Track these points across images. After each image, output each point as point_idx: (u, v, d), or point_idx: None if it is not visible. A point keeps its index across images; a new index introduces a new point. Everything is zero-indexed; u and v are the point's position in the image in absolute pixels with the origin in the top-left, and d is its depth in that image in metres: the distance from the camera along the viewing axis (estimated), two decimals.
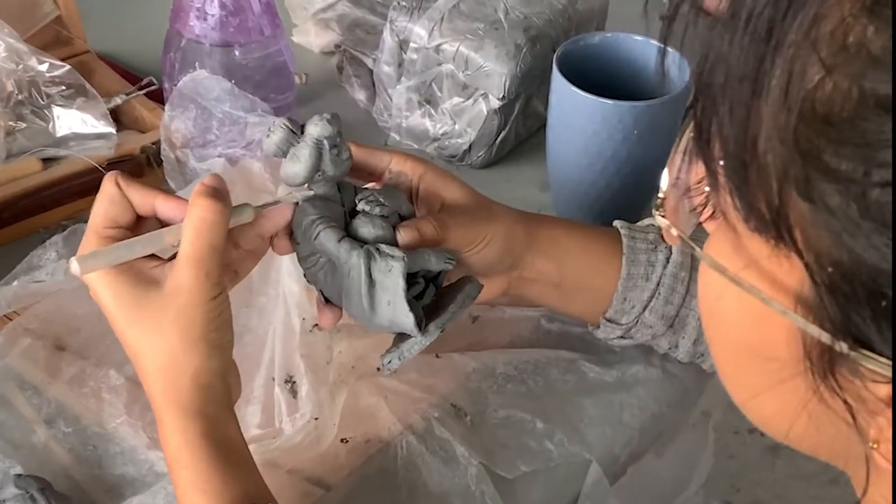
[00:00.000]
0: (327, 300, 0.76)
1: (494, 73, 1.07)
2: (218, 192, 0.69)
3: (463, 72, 1.09)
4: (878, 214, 0.35)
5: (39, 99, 1.07)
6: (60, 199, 1.03)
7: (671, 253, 0.84)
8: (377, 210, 0.73)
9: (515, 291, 0.84)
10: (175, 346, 0.69)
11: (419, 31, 1.10)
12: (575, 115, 0.97)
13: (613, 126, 0.95)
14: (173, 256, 0.70)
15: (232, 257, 0.74)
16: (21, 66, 1.06)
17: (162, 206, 0.71)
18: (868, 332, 0.37)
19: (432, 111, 1.14)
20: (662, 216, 0.48)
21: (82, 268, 0.67)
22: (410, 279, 0.71)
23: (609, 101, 0.94)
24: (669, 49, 1.00)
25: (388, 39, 1.13)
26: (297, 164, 0.72)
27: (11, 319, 0.90)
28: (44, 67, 1.07)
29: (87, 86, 1.09)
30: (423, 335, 0.71)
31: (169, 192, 0.73)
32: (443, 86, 1.12)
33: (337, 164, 0.73)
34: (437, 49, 1.09)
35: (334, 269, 0.73)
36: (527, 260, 0.82)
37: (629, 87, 1.01)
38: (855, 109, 0.35)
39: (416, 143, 1.16)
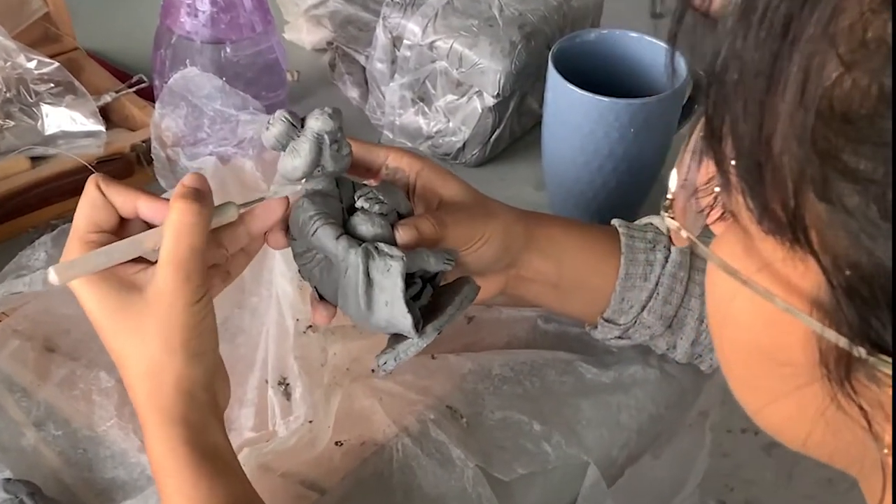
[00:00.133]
0: (322, 298, 0.75)
1: (489, 70, 1.06)
2: (198, 193, 0.68)
3: (457, 69, 1.08)
4: None
5: (28, 97, 1.06)
6: (49, 198, 1.02)
7: (670, 252, 0.83)
8: (376, 208, 0.72)
9: (513, 291, 0.83)
10: (156, 353, 0.68)
11: (413, 28, 1.09)
12: (571, 112, 0.96)
13: (610, 124, 0.94)
14: (158, 260, 0.69)
15: (220, 257, 0.72)
16: (9, 64, 1.05)
17: (144, 207, 0.70)
18: (886, 335, 0.36)
19: (426, 109, 1.13)
20: (672, 218, 0.47)
21: (60, 277, 0.66)
22: (408, 279, 0.69)
23: (606, 99, 0.93)
24: (663, 45, 1.00)
25: (381, 36, 1.12)
26: (297, 158, 0.71)
27: (0, 321, 0.88)
28: (32, 65, 1.06)
29: (77, 83, 1.08)
30: (421, 337, 0.70)
31: (153, 192, 0.71)
32: (437, 83, 1.10)
33: (337, 160, 0.72)
34: (431, 46, 1.08)
35: (330, 266, 0.72)
36: (524, 259, 0.81)
37: (625, 84, 1.00)
38: (874, 107, 0.34)
39: (410, 142, 1.15)
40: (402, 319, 0.69)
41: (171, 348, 0.67)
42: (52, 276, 0.66)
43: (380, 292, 0.69)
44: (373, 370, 0.86)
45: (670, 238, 0.83)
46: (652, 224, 0.86)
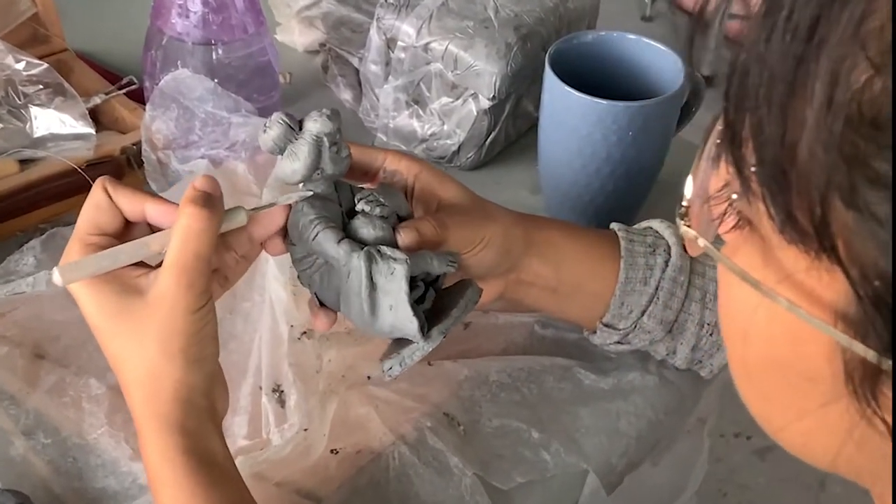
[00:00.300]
0: (322, 304, 0.73)
1: (484, 72, 1.04)
2: (209, 199, 0.67)
3: (452, 71, 1.06)
4: None
5: (16, 98, 1.04)
6: (38, 201, 1.01)
7: (670, 256, 0.82)
8: (377, 210, 0.71)
9: (511, 295, 0.82)
10: (155, 359, 0.66)
11: (407, 30, 1.08)
12: (568, 115, 0.95)
13: (608, 126, 0.93)
14: (161, 263, 0.68)
15: (230, 261, 0.71)
16: None
17: (152, 210, 0.69)
18: None
19: (420, 111, 1.11)
20: (688, 226, 0.45)
21: (64, 278, 0.65)
22: (410, 283, 0.68)
23: (603, 101, 0.92)
24: (662, 48, 0.99)
25: (374, 38, 1.11)
26: (296, 161, 0.69)
27: None
28: (20, 66, 1.05)
29: (66, 85, 1.07)
30: (427, 341, 0.69)
31: (157, 195, 0.70)
32: (431, 85, 1.09)
33: (336, 163, 0.71)
34: (426, 48, 1.07)
35: (331, 271, 0.70)
36: (524, 263, 0.80)
37: (622, 86, 0.99)
38: None
39: (404, 145, 1.13)
40: (409, 324, 0.67)
41: (170, 354, 0.66)
42: (57, 276, 0.65)
43: (384, 296, 0.67)
44: (368, 377, 0.85)
45: (684, 246, 0.82)
46: (651, 228, 0.86)
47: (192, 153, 1.01)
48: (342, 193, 0.73)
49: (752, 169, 0.38)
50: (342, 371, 0.85)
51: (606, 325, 0.84)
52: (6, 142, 1.03)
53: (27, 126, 1.04)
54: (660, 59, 0.99)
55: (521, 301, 0.83)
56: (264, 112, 1.05)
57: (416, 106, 1.11)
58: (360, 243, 0.69)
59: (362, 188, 0.74)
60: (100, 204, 0.69)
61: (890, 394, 0.36)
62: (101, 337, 0.69)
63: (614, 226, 0.85)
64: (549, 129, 1.00)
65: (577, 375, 0.88)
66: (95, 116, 1.08)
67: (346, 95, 1.21)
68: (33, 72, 1.05)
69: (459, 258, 0.73)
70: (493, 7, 1.08)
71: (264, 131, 0.70)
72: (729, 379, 0.88)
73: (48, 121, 1.04)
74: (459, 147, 1.10)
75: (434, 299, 0.72)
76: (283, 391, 0.82)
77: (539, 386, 0.87)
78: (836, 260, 0.35)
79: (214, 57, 1.07)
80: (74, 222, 0.70)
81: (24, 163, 1.02)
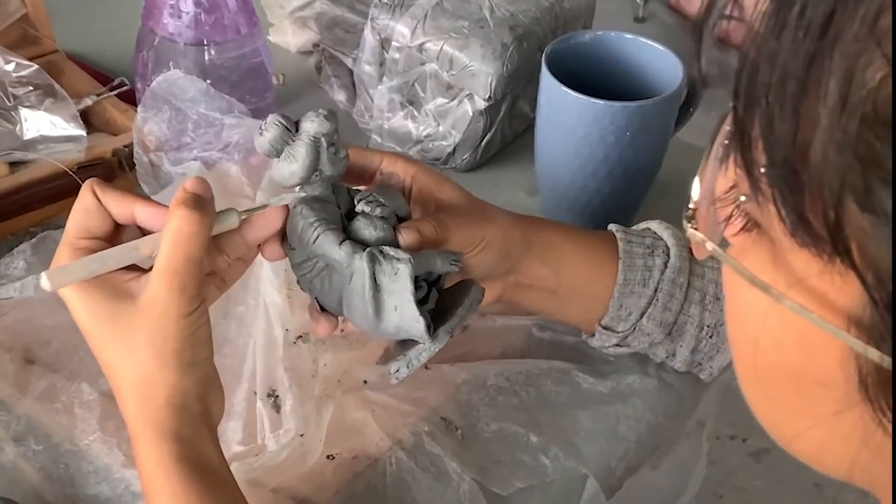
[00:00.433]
0: (322, 309, 0.72)
1: (480, 72, 1.03)
2: (200, 201, 0.66)
3: (447, 72, 1.05)
4: None
5: (6, 100, 1.03)
6: (28, 204, 1.00)
7: (669, 258, 0.82)
8: (378, 211, 0.70)
9: (510, 298, 0.81)
10: (147, 364, 0.66)
11: (402, 30, 1.07)
12: (565, 115, 0.94)
13: (605, 127, 0.92)
14: (152, 267, 0.67)
15: (222, 264, 0.70)
16: None
17: (141, 213, 0.68)
18: None
19: (415, 112, 1.10)
20: (695, 229, 0.44)
21: (52, 283, 0.64)
22: (414, 283, 0.67)
23: (601, 102, 0.91)
24: (660, 47, 0.98)
25: (369, 38, 1.10)
26: (294, 163, 0.68)
27: None
28: (10, 67, 1.04)
29: (56, 86, 1.05)
30: (433, 341, 0.68)
31: (146, 197, 0.69)
32: (426, 86, 1.08)
33: (335, 164, 0.69)
34: (421, 48, 1.06)
35: (332, 274, 0.69)
36: (523, 264, 0.79)
37: (619, 86, 0.98)
38: None
39: (399, 146, 1.12)
40: (415, 324, 0.66)
41: (163, 359, 0.65)
42: (45, 281, 0.64)
43: (388, 297, 0.66)
44: (365, 381, 0.84)
45: (684, 248, 0.81)
46: (649, 229, 0.85)
47: (185, 155, 1.00)
48: (340, 196, 0.71)
49: (762, 170, 0.37)
50: (338, 375, 0.84)
51: (605, 328, 0.83)
52: None
53: (17, 128, 1.03)
54: (657, 59, 0.98)
55: (520, 304, 0.82)
56: (257, 114, 1.05)
57: (410, 107, 1.10)
58: (361, 244, 0.67)
59: (359, 191, 0.73)
60: (88, 207, 0.68)
61: None
62: (93, 343, 0.68)
63: (612, 227, 0.84)
64: (545, 130, 0.99)
65: (575, 379, 0.87)
66: (86, 118, 1.07)
67: (339, 96, 1.20)
68: (23, 73, 1.04)
69: (460, 258, 0.72)
70: (488, 7, 1.07)
71: (260, 133, 0.69)
72: (727, 381, 0.87)
73: (38, 123, 1.03)
74: (455, 148, 1.09)
75: (436, 300, 0.71)
76: (278, 396, 0.81)
77: (537, 389, 0.86)
78: (850, 264, 0.34)
79: (207, 58, 1.06)
80: (65, 225, 0.69)
81: (14, 165, 1.01)
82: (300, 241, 0.68)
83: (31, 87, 1.05)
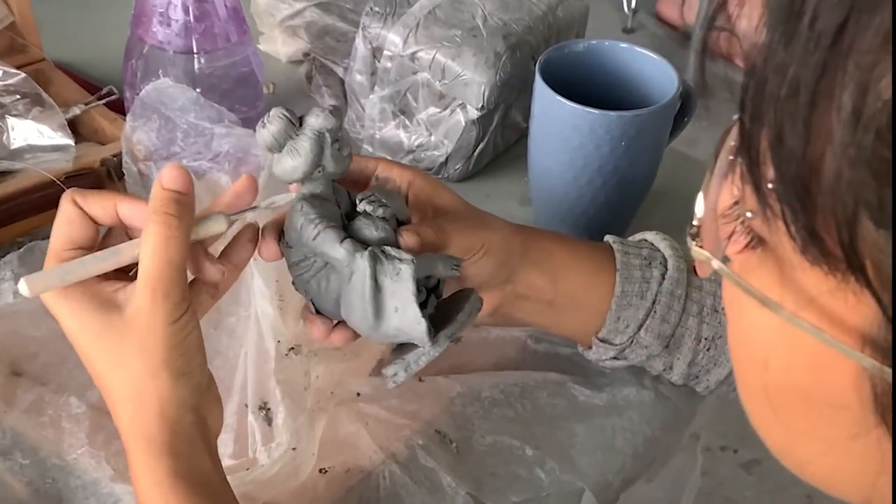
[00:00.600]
0: (318, 311, 0.71)
1: (473, 82, 1.03)
2: (176, 202, 0.65)
3: (439, 81, 1.04)
4: None
5: None
6: (16, 214, 0.98)
7: (666, 269, 0.81)
8: (380, 211, 0.68)
9: (506, 310, 0.80)
10: (138, 376, 0.64)
11: (393, 39, 1.06)
12: (559, 125, 0.93)
13: (600, 137, 0.91)
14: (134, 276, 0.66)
15: (211, 273, 0.69)
16: None
17: (125, 210, 0.67)
18: None
19: (407, 122, 1.09)
20: (700, 247, 0.43)
21: (31, 288, 0.63)
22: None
23: (596, 111, 0.90)
24: (654, 56, 0.98)
25: (360, 47, 1.09)
26: (297, 157, 0.67)
27: None
28: None
29: (44, 95, 1.04)
30: (434, 345, 0.67)
31: (127, 195, 0.68)
32: (418, 95, 1.07)
33: (338, 161, 0.68)
34: (413, 57, 1.05)
35: (330, 274, 0.68)
36: (521, 274, 0.78)
37: (613, 96, 0.97)
38: None
39: (391, 156, 1.11)
40: (416, 325, 0.65)
41: (154, 369, 0.64)
42: (24, 287, 0.63)
43: (389, 298, 0.65)
44: (358, 394, 0.83)
45: (680, 258, 0.81)
46: (646, 240, 0.84)
47: None
48: (339, 197, 0.70)
49: (771, 185, 0.35)
50: (331, 387, 0.82)
51: (602, 341, 0.82)
52: None
53: (4, 137, 1.01)
54: (651, 69, 0.97)
55: (515, 316, 0.81)
56: (248, 123, 1.03)
57: (402, 116, 1.09)
58: (362, 244, 0.66)
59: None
60: (71, 218, 0.67)
61: None
62: (85, 358, 0.67)
63: (609, 238, 0.83)
64: (539, 140, 0.98)
65: (571, 391, 0.86)
66: (74, 127, 1.06)
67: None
68: (10, 82, 1.03)
69: (463, 262, 0.71)
70: (481, 16, 1.06)
71: (263, 126, 0.68)
72: (723, 393, 0.86)
73: (26, 132, 1.02)
74: (447, 158, 1.08)
75: (435, 307, 0.70)
76: (269, 409, 0.80)
77: (532, 402, 0.85)
78: (864, 282, 0.33)
79: (197, 66, 1.05)
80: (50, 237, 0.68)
81: (1, 175, 1.00)
82: (299, 238, 0.67)
83: (18, 96, 1.03)
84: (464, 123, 1.06)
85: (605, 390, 0.87)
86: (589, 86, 0.97)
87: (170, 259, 0.64)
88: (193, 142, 0.99)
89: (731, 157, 0.39)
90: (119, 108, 1.10)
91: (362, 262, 0.65)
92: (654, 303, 0.80)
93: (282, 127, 0.67)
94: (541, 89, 0.94)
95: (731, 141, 0.40)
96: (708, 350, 0.82)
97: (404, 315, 0.65)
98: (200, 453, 0.66)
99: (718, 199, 0.41)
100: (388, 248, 0.66)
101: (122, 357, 0.65)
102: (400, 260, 0.65)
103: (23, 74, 1.04)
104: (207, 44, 1.05)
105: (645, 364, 0.84)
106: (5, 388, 0.82)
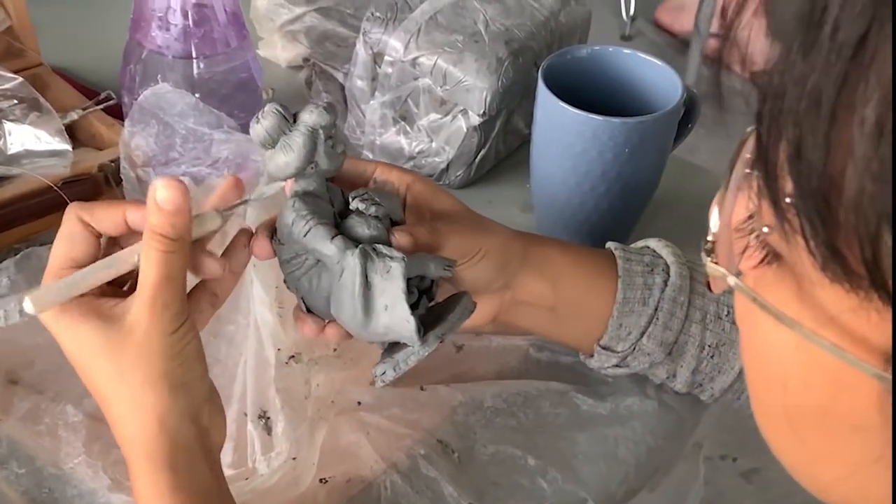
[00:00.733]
0: (309, 310, 0.70)
1: (475, 87, 1.02)
2: (173, 225, 0.64)
3: (441, 87, 1.04)
4: None
5: None
6: (13, 220, 0.98)
7: (669, 276, 0.80)
8: (372, 210, 0.68)
9: (506, 317, 0.79)
10: (137, 389, 0.64)
11: (394, 44, 1.05)
12: (562, 131, 0.93)
13: (604, 143, 0.91)
14: (132, 290, 0.66)
15: (209, 267, 0.68)
16: None
17: (133, 216, 0.66)
18: None
19: (408, 128, 1.09)
20: (715, 263, 0.42)
21: (37, 305, 0.63)
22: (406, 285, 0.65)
23: (599, 118, 0.90)
24: (658, 62, 0.97)
25: (361, 52, 1.08)
26: (290, 153, 0.67)
27: None
28: None
29: (41, 100, 1.04)
30: (423, 345, 0.66)
31: (134, 201, 0.67)
32: (419, 101, 1.07)
33: (331, 158, 0.68)
34: (414, 62, 1.04)
35: (321, 272, 0.67)
36: (520, 279, 0.77)
37: (616, 102, 0.97)
38: None
39: (391, 162, 1.10)
40: (405, 324, 0.64)
41: (152, 380, 0.64)
42: (28, 305, 0.62)
43: (379, 295, 0.64)
44: (359, 402, 0.82)
45: (690, 270, 0.80)
46: (648, 247, 0.83)
47: (173, 170, 0.98)
48: (333, 196, 0.70)
49: (789, 200, 0.34)
50: (331, 396, 0.82)
51: (604, 348, 0.81)
52: None
53: (1, 142, 1.01)
54: (654, 75, 0.97)
55: (516, 323, 0.80)
56: (247, 129, 1.02)
57: (403, 122, 1.09)
58: (354, 241, 0.66)
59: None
60: (74, 235, 0.66)
61: None
62: (83, 373, 0.67)
63: (611, 245, 0.83)
64: (542, 146, 0.97)
65: (573, 400, 0.85)
66: (72, 133, 1.06)
67: None
68: (7, 86, 1.02)
69: (455, 266, 0.71)
70: (483, 21, 1.05)
71: (257, 121, 0.67)
72: (727, 402, 0.86)
73: (23, 137, 1.01)
74: (448, 165, 1.08)
75: (428, 310, 0.69)
76: (269, 418, 0.79)
77: (535, 411, 0.84)
78: (888, 300, 0.32)
79: (196, 71, 1.04)
80: (50, 242, 0.68)
81: None
82: (290, 235, 0.67)
83: (15, 101, 1.03)
84: (465, 129, 1.05)
85: (608, 400, 0.86)
86: (591, 92, 0.97)
87: (169, 272, 0.64)
88: (192, 147, 0.98)
89: (748, 171, 0.38)
90: (117, 113, 1.09)
91: (353, 258, 0.64)
92: (656, 309, 0.79)
93: (275, 122, 0.66)
94: (544, 95, 0.93)
95: (747, 153, 0.39)
96: (712, 357, 0.81)
97: (394, 313, 0.64)
98: (201, 465, 0.65)
99: (733, 213, 0.40)
100: (379, 246, 0.65)
101: (121, 371, 0.64)
102: (391, 258, 0.64)
103: (20, 79, 1.03)
104: (207, 49, 1.04)
105: (648, 372, 0.84)
106: (1, 397, 0.82)
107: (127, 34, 1.06)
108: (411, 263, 0.65)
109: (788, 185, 0.34)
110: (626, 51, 0.98)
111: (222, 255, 0.70)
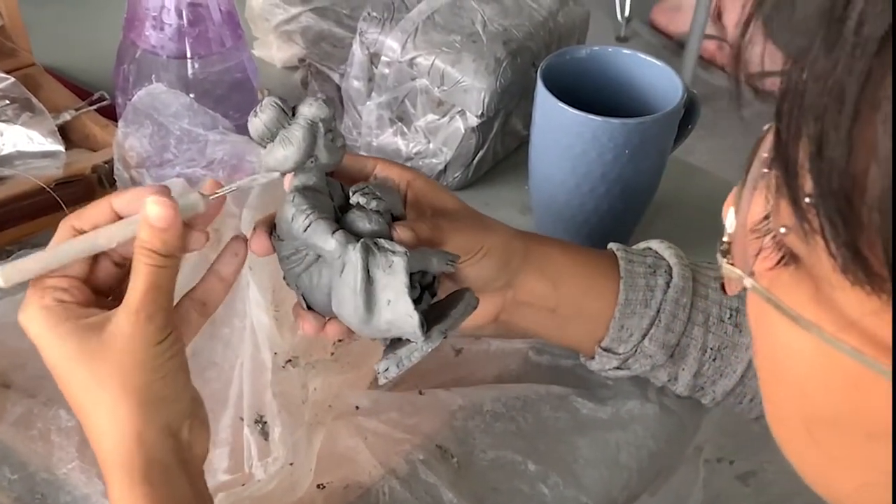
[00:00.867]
0: (309, 308, 0.69)
1: (473, 88, 1.01)
2: (163, 241, 0.63)
3: (438, 87, 1.03)
4: None
5: None
6: (5, 222, 0.97)
7: (671, 277, 0.79)
8: (373, 204, 0.67)
9: (507, 318, 0.78)
10: (116, 401, 0.63)
11: (391, 44, 1.04)
12: (562, 132, 0.92)
13: (603, 144, 0.90)
14: (117, 303, 0.65)
15: (192, 242, 0.67)
16: None
17: (119, 204, 0.66)
18: None
19: (405, 129, 1.08)
20: (731, 264, 0.41)
21: (5, 278, 0.63)
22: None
23: (599, 118, 0.89)
24: (657, 62, 0.96)
25: (357, 53, 1.07)
26: (289, 146, 0.65)
27: None
28: None
29: (34, 100, 1.03)
30: (426, 340, 0.64)
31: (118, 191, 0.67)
32: (416, 102, 1.06)
33: (331, 152, 0.67)
34: (411, 63, 1.03)
35: (321, 268, 0.66)
36: (521, 279, 0.76)
37: (615, 103, 0.96)
38: None
39: None
40: (409, 319, 0.63)
41: (130, 390, 0.63)
42: None
43: (381, 291, 0.63)
44: (357, 407, 0.81)
45: (693, 271, 0.79)
46: (650, 248, 0.82)
47: (167, 172, 0.97)
48: (333, 190, 0.69)
49: (809, 200, 0.33)
50: (329, 400, 0.80)
51: (605, 350, 0.80)
52: None
53: None
54: (654, 75, 0.96)
55: (516, 325, 0.79)
56: (242, 129, 1.01)
57: (400, 123, 1.08)
58: (355, 236, 0.65)
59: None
60: None
61: None
62: (62, 383, 0.65)
63: (612, 246, 0.82)
64: (540, 148, 0.96)
65: (574, 404, 0.85)
66: (65, 133, 1.05)
67: None
68: None
69: (457, 261, 0.70)
70: (480, 21, 1.04)
71: (255, 115, 0.66)
72: (727, 405, 0.85)
73: (15, 137, 1.00)
74: (446, 166, 1.07)
75: (430, 306, 0.68)
76: (266, 422, 0.78)
77: (535, 415, 0.83)
78: None
79: (190, 71, 1.03)
80: (43, 244, 0.67)
81: None
82: (290, 230, 0.65)
83: (7, 101, 1.02)
84: (463, 130, 1.04)
85: (609, 403, 0.85)
86: (591, 92, 0.96)
87: (158, 284, 0.63)
88: (187, 148, 0.97)
89: (765, 170, 0.37)
90: (111, 113, 1.08)
91: (354, 253, 0.63)
92: (658, 311, 0.78)
93: (274, 116, 0.65)
94: (542, 96, 0.92)
95: (764, 152, 0.38)
96: (714, 360, 0.80)
97: (396, 308, 0.63)
98: (179, 480, 0.64)
99: (749, 213, 0.39)
100: (380, 241, 0.64)
101: (99, 381, 0.63)
102: (393, 252, 0.63)
103: (12, 79, 1.03)
104: (201, 48, 1.03)
105: (649, 375, 0.83)
106: None
107: (120, 34, 1.05)
108: (414, 258, 0.64)
109: (808, 185, 0.33)
110: (626, 51, 0.98)
111: (213, 263, 0.70)
